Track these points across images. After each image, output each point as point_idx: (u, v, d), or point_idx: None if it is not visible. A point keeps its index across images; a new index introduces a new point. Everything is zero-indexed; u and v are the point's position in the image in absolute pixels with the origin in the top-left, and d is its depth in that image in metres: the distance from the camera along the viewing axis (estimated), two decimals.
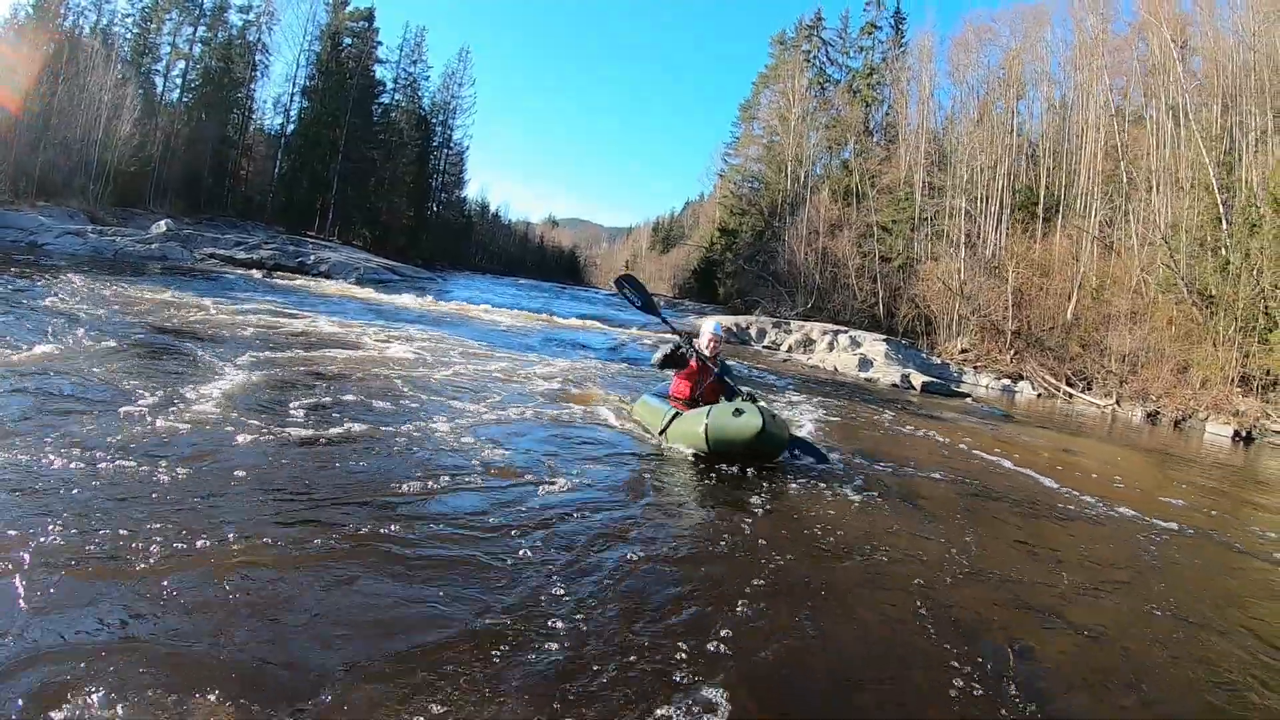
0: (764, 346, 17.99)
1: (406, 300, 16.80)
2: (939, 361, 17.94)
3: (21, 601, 1.94)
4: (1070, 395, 16.18)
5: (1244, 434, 12.62)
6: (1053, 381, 16.77)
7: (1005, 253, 20.34)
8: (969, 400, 13.54)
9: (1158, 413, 14.28)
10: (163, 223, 21.37)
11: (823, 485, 4.41)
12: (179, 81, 33.23)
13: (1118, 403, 15.11)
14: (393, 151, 38.25)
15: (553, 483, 3.68)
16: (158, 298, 9.97)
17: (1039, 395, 16.37)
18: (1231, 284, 14.49)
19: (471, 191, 50.80)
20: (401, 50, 40.20)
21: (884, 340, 17.86)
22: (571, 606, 2.31)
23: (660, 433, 4.96)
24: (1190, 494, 6.38)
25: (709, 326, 5.32)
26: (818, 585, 2.81)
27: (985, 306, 19.18)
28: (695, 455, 4.61)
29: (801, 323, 20.28)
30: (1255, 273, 14.12)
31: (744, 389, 5.17)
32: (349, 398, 5.05)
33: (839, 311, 23.70)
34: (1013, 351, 18.15)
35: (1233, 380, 13.91)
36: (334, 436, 3.97)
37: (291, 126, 35.98)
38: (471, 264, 41.29)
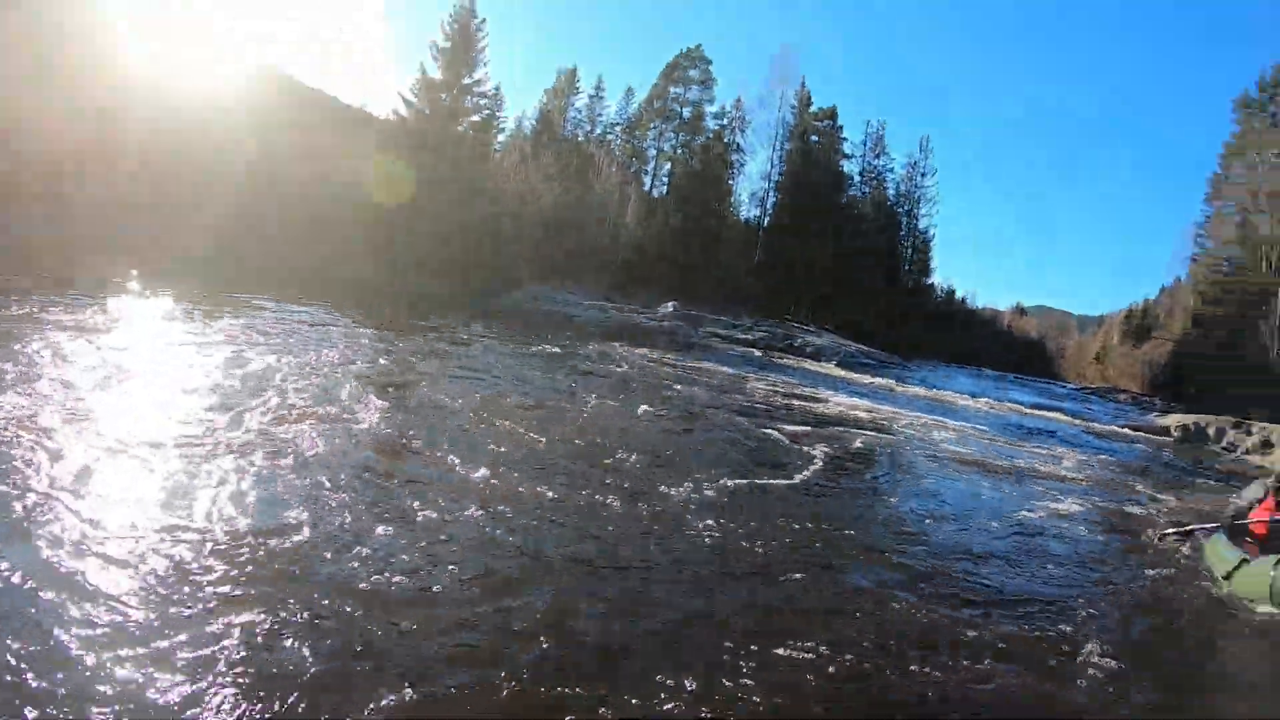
0: (1221, 447, 17.36)
1: (890, 383, 18.02)
2: None
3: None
4: None
5: None
6: None
7: None
8: None
9: None
10: (670, 304, 25.16)
11: None
12: (665, 180, 39.87)
13: None
14: (861, 241, 40.09)
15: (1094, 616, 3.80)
16: (694, 366, 12.60)
17: None
18: None
19: (937, 279, 48.93)
20: (865, 144, 42.94)
21: None
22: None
23: (1224, 578, 4.29)
24: None
25: None
26: None
27: None
28: (1269, 614, 3.86)
29: (1265, 424, 18.64)
30: None
31: None
32: (925, 482, 6.67)
33: None
34: None
35: None
36: (915, 515, 5.40)
37: (766, 218, 40.46)
38: (935, 351, 40.13)
